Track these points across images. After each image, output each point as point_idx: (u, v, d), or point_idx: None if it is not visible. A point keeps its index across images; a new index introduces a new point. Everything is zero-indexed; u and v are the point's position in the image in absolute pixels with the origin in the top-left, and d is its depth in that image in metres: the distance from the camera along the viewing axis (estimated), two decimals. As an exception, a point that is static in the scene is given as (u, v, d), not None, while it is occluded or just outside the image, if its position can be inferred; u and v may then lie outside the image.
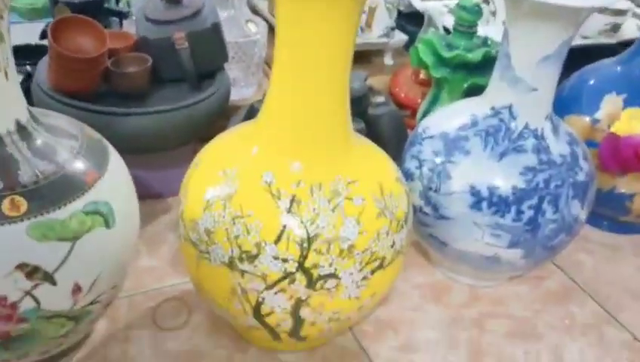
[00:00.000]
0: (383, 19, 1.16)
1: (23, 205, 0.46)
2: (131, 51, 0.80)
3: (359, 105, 0.80)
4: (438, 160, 0.68)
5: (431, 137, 0.70)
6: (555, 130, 0.68)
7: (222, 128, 0.78)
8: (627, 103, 0.80)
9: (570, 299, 0.77)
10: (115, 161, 0.55)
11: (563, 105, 0.81)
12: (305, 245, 0.52)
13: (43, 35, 0.97)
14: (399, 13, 1.22)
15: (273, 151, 0.55)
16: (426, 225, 0.70)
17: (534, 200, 0.65)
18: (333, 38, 0.50)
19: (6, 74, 0.46)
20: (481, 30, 0.94)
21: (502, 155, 0.66)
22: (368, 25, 1.16)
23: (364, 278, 0.55)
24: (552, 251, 0.70)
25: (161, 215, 0.82)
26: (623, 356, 0.70)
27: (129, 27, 0.96)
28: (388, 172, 0.59)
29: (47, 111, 0.56)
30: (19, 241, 0.45)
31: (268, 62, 1.06)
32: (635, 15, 1.26)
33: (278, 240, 0.52)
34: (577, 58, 0.77)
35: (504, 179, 0.65)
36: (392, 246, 0.56)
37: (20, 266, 0.45)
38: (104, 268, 0.51)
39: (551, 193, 0.65)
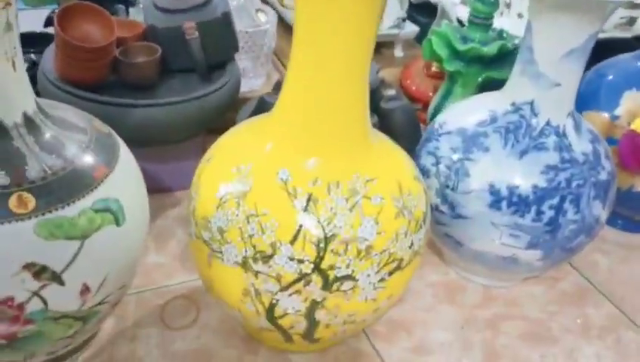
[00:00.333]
0: (394, 10, 1.13)
1: (31, 202, 0.44)
2: (139, 40, 0.78)
3: (371, 99, 0.77)
4: (456, 157, 0.66)
5: (448, 133, 0.68)
6: (577, 127, 0.66)
7: (231, 120, 0.77)
8: (648, 100, 0.78)
9: (585, 301, 0.76)
10: (125, 155, 0.52)
11: (580, 101, 0.78)
12: (321, 245, 0.50)
13: (47, 23, 0.94)
14: (410, 3, 1.19)
15: (289, 147, 0.53)
16: (441, 223, 0.68)
17: (555, 200, 0.63)
18: (354, 27, 0.47)
19: (14, 64, 0.44)
20: (496, 22, 0.91)
21: (522, 153, 0.63)
22: (379, 15, 1.13)
23: (382, 280, 0.53)
24: (571, 253, 0.68)
25: (169, 209, 0.80)
26: (642, 360, 0.69)
27: (135, 15, 0.94)
28: (406, 170, 0.57)
29: (54, 102, 0.54)
30: (26, 240, 0.43)
31: (277, 54, 1.04)
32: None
33: (294, 241, 0.50)
34: (592, 52, 0.75)
35: (524, 177, 0.63)
36: (410, 247, 0.54)
37: (28, 266, 0.43)
38: (113, 267, 0.49)
39: (572, 193, 0.63)
